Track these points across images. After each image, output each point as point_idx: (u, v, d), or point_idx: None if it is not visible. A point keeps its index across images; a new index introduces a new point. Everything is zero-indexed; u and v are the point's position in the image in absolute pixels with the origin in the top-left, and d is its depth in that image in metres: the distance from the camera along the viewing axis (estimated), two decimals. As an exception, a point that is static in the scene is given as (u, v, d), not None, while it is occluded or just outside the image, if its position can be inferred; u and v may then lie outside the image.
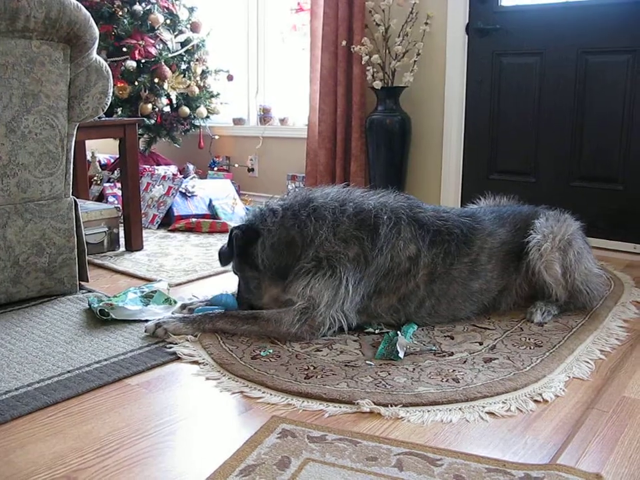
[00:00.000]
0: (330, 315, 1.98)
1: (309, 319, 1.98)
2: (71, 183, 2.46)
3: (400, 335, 1.95)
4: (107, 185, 4.11)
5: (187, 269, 2.88)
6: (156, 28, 4.30)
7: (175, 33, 4.46)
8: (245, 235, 2.08)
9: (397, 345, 1.88)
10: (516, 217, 2.33)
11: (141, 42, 4.19)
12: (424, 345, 1.98)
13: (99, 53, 2.55)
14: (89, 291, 2.51)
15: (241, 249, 2.09)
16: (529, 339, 2.03)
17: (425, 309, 2.13)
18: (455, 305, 2.18)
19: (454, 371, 1.78)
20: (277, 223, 2.06)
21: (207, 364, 1.84)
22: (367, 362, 1.84)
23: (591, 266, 2.27)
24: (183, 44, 4.48)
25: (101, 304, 2.20)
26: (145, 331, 2.04)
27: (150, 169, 4.27)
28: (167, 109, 4.43)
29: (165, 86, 4.28)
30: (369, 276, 2.03)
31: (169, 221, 3.82)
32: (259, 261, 2.07)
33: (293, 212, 2.07)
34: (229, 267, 2.24)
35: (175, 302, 2.29)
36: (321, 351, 1.93)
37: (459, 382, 1.71)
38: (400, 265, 2.06)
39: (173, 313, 2.18)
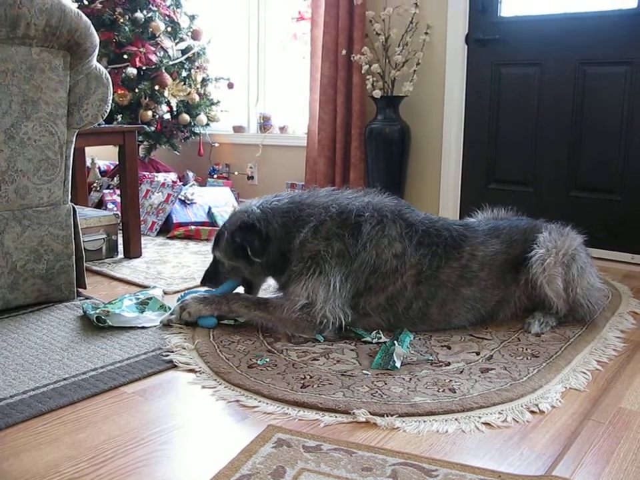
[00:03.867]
0: (328, 311, 2.04)
1: (309, 315, 2.05)
2: (70, 190, 2.46)
3: (397, 344, 1.95)
4: (106, 191, 4.11)
5: (185, 276, 2.88)
6: (157, 35, 4.31)
7: (176, 41, 4.48)
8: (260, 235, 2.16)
9: (394, 354, 1.88)
10: (512, 229, 2.33)
11: (141, 49, 4.20)
12: (421, 354, 1.98)
13: (99, 60, 2.56)
14: (87, 298, 2.51)
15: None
16: (526, 350, 2.03)
17: (413, 311, 2.15)
18: (447, 310, 2.18)
19: (450, 381, 1.78)
20: (272, 231, 2.15)
21: (203, 372, 1.84)
22: (364, 371, 1.84)
23: (593, 280, 2.27)
24: (183, 51, 4.50)
25: (97, 311, 2.20)
26: (172, 314, 2.19)
27: (149, 176, 4.28)
28: (167, 116, 4.44)
29: (165, 93, 4.29)
30: (355, 272, 2.09)
31: (167, 228, 3.82)
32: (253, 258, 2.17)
33: (285, 224, 2.16)
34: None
35: (170, 308, 2.29)
36: (318, 360, 1.92)
37: (455, 392, 1.70)
38: (387, 263, 2.11)
39: (162, 320, 2.21)
